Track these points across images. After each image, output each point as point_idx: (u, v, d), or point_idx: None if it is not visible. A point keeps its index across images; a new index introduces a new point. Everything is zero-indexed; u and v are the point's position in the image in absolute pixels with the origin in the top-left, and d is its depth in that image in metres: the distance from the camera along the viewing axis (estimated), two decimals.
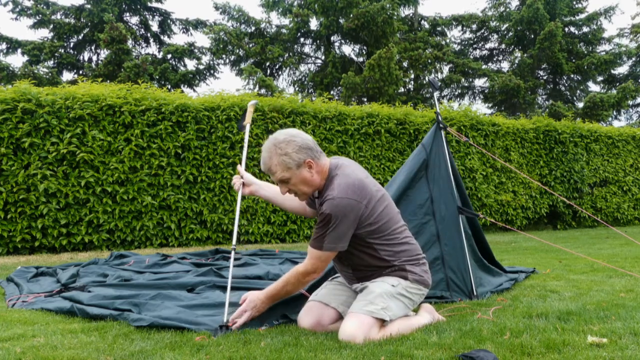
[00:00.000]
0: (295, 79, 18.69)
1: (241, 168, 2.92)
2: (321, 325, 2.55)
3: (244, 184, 2.89)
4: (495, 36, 22.46)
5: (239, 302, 3.03)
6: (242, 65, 17.14)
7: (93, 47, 18.10)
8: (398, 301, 2.51)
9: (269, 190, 2.88)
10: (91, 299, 3.09)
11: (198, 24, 19.09)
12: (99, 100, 6.71)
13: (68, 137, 6.45)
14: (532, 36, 20.28)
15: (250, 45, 17.04)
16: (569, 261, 5.14)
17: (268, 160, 2.47)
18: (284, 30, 17.48)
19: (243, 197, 3.04)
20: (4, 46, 16.75)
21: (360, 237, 2.50)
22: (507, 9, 21.49)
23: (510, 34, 21.05)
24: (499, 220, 9.90)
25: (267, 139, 2.53)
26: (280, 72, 18.47)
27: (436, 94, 3.92)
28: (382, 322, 2.43)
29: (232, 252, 2.86)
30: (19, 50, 16.77)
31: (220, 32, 16.55)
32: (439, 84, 15.77)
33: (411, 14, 20.37)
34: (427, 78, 18.26)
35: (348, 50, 25.78)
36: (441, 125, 3.66)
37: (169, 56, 18.00)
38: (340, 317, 2.58)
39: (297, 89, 18.53)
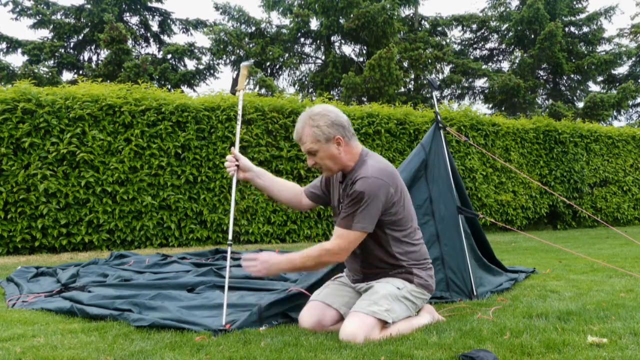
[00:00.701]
0: (295, 79, 18.69)
1: (236, 150, 2.77)
2: (322, 325, 2.54)
3: (239, 168, 2.73)
4: (496, 36, 22.45)
5: (238, 303, 3.04)
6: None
7: (93, 47, 18.10)
8: (402, 304, 2.51)
9: (266, 179, 2.79)
10: (91, 299, 3.09)
11: (198, 24, 19.08)
12: (99, 100, 6.71)
13: (68, 137, 6.45)
14: (532, 36, 20.28)
15: (251, 46, 17.03)
16: (569, 261, 5.14)
17: (301, 129, 2.51)
18: (284, 31, 17.47)
19: (237, 182, 2.88)
20: (4, 46, 16.76)
21: (379, 226, 2.50)
22: (507, 9, 21.48)
23: (511, 34, 21.04)
24: (499, 220, 9.90)
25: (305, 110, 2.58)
26: (280, 72, 18.47)
27: (436, 94, 3.93)
28: (384, 324, 2.43)
29: (229, 248, 2.76)
30: (19, 50, 16.78)
31: (221, 32, 16.53)
32: (438, 83, 15.75)
33: (411, 14, 20.36)
34: (426, 78, 18.25)
35: (348, 50, 25.75)
36: (440, 125, 3.66)
37: (169, 56, 17.98)
38: (341, 319, 2.57)
39: (297, 89, 18.53)
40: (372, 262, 2.60)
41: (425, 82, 19.00)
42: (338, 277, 2.80)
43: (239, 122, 2.86)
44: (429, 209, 3.41)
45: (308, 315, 2.58)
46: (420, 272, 2.60)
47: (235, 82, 3.59)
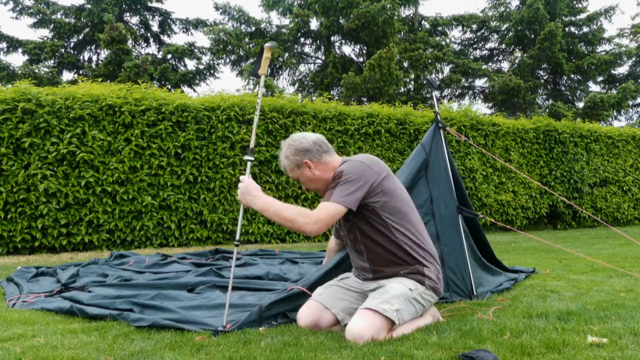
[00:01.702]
0: (295, 79, 18.69)
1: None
2: (318, 327, 2.56)
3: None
4: (496, 36, 22.45)
5: (238, 303, 3.04)
6: (243, 65, 17.14)
7: (93, 47, 18.10)
8: (411, 306, 2.51)
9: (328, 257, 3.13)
10: (91, 298, 3.09)
11: (198, 24, 19.08)
12: (99, 100, 6.71)
13: (68, 137, 6.45)
14: (532, 36, 20.28)
15: (251, 45, 17.03)
16: (569, 261, 5.14)
17: (281, 162, 2.75)
18: (284, 30, 17.47)
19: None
20: (4, 45, 16.76)
21: (372, 211, 2.54)
22: (507, 9, 21.48)
23: (511, 34, 21.04)
24: (499, 220, 9.90)
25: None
26: (280, 72, 18.47)
27: (435, 94, 3.92)
28: (392, 326, 2.43)
29: (235, 249, 2.77)
30: (20, 50, 16.78)
31: (220, 32, 16.54)
32: (438, 83, 15.71)
33: (411, 14, 20.36)
34: (426, 78, 18.22)
35: (348, 50, 25.77)
36: (440, 125, 3.65)
37: (169, 56, 17.99)
38: (337, 323, 2.59)
39: (297, 88, 18.53)
40: (380, 257, 2.59)
41: (425, 82, 18.99)
42: (343, 277, 2.79)
43: (258, 108, 2.85)
44: (430, 209, 3.41)
45: (305, 315, 2.60)
46: (430, 273, 2.59)
47: (258, 65, 3.30)
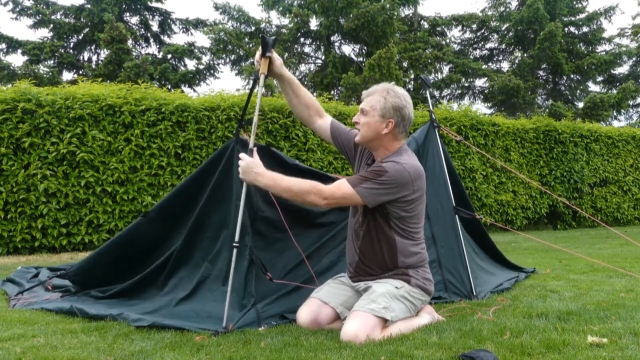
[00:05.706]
0: None
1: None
2: (318, 323, 2.56)
3: (272, 66, 2.69)
4: (495, 36, 22.44)
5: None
6: (243, 65, 17.14)
7: (93, 47, 18.08)
8: (400, 303, 2.52)
9: (290, 87, 2.75)
10: (92, 295, 3.09)
11: (198, 24, 19.07)
12: (99, 100, 6.71)
13: (68, 137, 6.44)
14: (532, 36, 20.27)
15: (251, 45, 17.03)
16: (569, 261, 5.14)
17: (373, 91, 2.60)
18: (284, 30, 17.46)
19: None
20: (4, 46, 16.74)
21: (386, 215, 2.54)
22: (507, 9, 21.47)
23: (510, 34, 21.03)
24: (499, 220, 9.90)
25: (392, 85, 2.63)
26: None
27: (429, 92, 3.92)
28: (385, 323, 2.43)
29: (234, 250, 2.69)
30: (19, 50, 16.77)
31: (220, 32, 16.53)
32: (432, 81, 15.63)
33: (411, 14, 20.35)
34: (420, 76, 18.15)
35: (348, 50, 25.73)
36: (435, 125, 3.64)
37: (169, 56, 17.97)
38: (337, 317, 2.59)
39: None
40: (371, 254, 2.60)
41: (419, 81, 18.98)
42: (339, 276, 2.82)
43: (257, 111, 2.79)
44: (424, 212, 3.39)
45: (304, 313, 2.61)
46: (415, 273, 2.61)
47: (258, 64, 3.21)
